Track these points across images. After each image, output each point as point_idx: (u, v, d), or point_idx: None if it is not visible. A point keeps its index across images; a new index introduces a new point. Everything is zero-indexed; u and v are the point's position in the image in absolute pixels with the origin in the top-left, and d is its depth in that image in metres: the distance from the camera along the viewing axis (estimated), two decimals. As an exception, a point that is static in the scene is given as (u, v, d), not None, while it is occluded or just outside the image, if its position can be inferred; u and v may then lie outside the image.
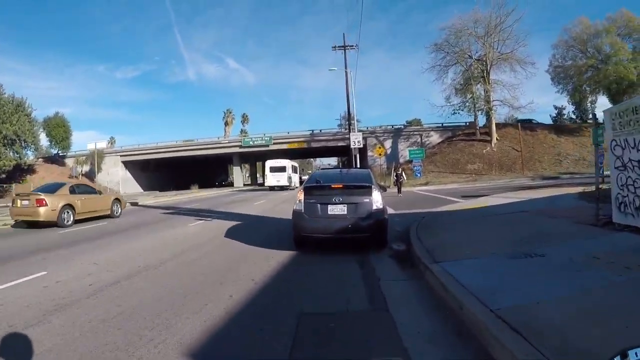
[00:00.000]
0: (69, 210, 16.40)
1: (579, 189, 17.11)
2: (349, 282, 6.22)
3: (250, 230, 12.57)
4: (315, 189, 8.83)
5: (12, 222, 16.99)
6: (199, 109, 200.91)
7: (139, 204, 29.02)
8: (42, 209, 15.50)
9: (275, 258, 8.10)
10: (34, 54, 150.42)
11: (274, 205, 21.93)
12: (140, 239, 11.64)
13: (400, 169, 27.96)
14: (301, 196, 8.66)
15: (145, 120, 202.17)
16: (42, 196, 15.82)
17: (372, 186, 8.59)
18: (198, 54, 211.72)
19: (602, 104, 57.58)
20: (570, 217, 10.29)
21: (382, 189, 9.97)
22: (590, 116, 47.61)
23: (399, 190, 25.89)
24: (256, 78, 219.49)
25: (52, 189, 17.08)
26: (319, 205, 8.39)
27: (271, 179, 45.33)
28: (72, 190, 17.32)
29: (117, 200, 20.09)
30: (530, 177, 36.86)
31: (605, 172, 23.61)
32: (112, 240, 11.55)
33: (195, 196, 38.72)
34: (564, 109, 75.26)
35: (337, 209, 8.29)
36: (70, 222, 16.18)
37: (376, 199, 8.37)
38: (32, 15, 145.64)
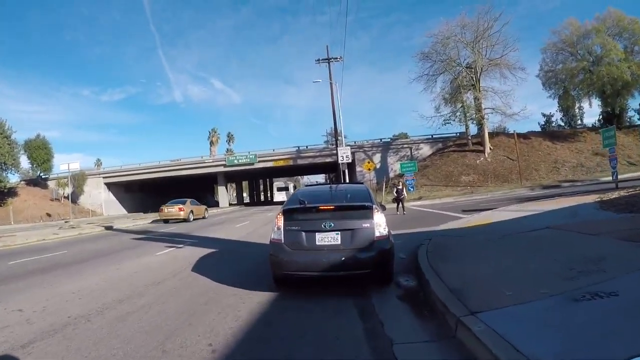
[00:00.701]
0: (191, 214, 30.31)
1: (592, 197, 15.50)
2: (349, 349, 4.23)
3: (224, 261, 10.61)
4: (298, 212, 6.74)
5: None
6: (186, 130, 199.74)
7: (114, 227, 26.97)
8: (182, 212, 29.40)
9: (248, 304, 6.10)
10: (19, 77, 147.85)
11: (257, 228, 19.91)
12: (90, 274, 9.62)
13: (400, 184, 25.11)
14: (280, 222, 6.66)
15: (132, 142, 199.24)
16: (182, 205, 29.82)
17: (373, 206, 6.61)
18: (183, 75, 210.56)
19: (592, 109, 56.92)
20: (610, 232, 8.47)
21: (382, 207, 7.96)
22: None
23: (402, 208, 23.23)
24: (241, 97, 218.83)
25: (182, 202, 30.64)
26: (303, 233, 6.42)
27: (278, 196, 64.01)
28: (191, 203, 31.49)
29: (206, 209, 34.57)
30: (529, 187, 35.03)
31: (620, 176, 22.39)
32: (59, 275, 9.75)
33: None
34: (552, 116, 74.32)
35: (328, 238, 6.31)
36: (192, 219, 30.06)
37: (379, 223, 6.39)
38: (16, 40, 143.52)
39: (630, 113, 55.57)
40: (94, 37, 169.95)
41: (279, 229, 6.60)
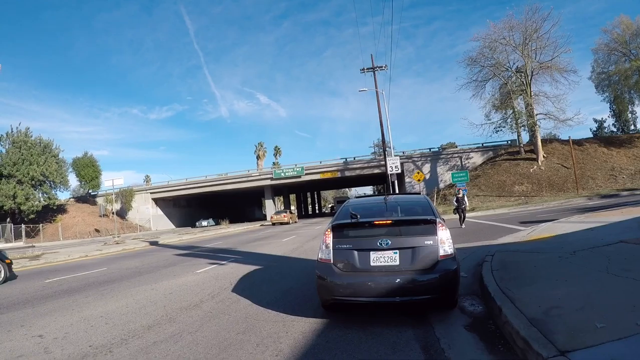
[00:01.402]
0: (291, 219, 48.04)
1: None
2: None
3: (268, 280, 9.81)
4: (349, 227, 5.92)
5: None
6: (233, 144, 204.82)
7: (159, 243, 26.93)
8: (285, 218, 47.22)
9: (291, 334, 5.35)
10: (71, 100, 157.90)
11: (303, 242, 19.15)
12: (123, 295, 9.12)
13: (461, 193, 22.54)
14: (329, 239, 5.84)
15: (180, 158, 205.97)
16: (285, 214, 48.75)
17: (437, 220, 5.73)
18: (229, 91, 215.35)
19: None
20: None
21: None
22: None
23: (462, 220, 20.84)
24: (287, 111, 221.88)
25: (285, 211, 51.74)
26: (355, 252, 5.60)
27: (337, 208, 68.92)
28: (290, 212, 53.91)
29: (297, 216, 56.28)
30: (587, 197, 33.10)
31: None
32: (92, 295, 9.31)
33: (222, 232, 36.59)
34: (605, 121, 71.34)
35: (385, 258, 5.48)
36: (291, 223, 46.36)
37: (443, 240, 5.54)
38: (66, 65, 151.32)
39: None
40: (140, 58, 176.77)
41: (327, 247, 5.82)
